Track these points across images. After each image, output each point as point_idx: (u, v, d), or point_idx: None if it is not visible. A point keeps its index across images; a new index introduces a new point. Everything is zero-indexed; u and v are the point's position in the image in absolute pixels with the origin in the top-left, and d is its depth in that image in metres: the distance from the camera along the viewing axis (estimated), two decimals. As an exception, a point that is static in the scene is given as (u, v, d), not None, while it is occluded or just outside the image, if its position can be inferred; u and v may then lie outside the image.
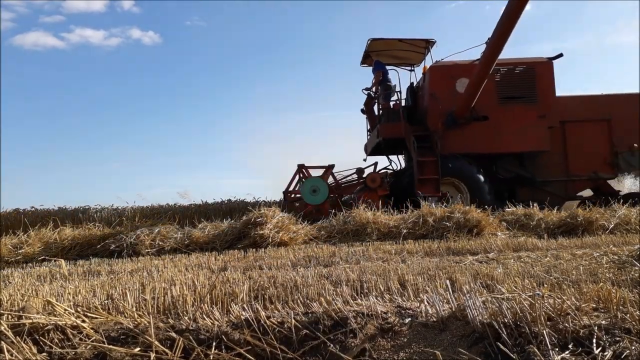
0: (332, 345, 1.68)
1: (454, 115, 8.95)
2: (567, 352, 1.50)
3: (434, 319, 1.84)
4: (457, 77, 9.11)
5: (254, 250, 5.27)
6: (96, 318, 1.90)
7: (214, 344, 1.65)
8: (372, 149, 10.51)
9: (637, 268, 2.88)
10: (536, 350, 1.48)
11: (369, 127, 11.09)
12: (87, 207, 12.70)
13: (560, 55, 9.41)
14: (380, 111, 10.11)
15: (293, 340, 1.71)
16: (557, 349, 1.52)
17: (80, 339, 1.69)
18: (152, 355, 1.57)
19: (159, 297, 2.43)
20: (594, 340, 1.54)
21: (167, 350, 1.60)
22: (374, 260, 4.14)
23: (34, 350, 1.63)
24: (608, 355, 1.46)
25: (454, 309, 1.89)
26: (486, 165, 9.39)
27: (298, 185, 9.19)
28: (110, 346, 1.63)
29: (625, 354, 1.47)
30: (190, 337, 1.67)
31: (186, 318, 1.99)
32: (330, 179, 9.31)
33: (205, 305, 2.28)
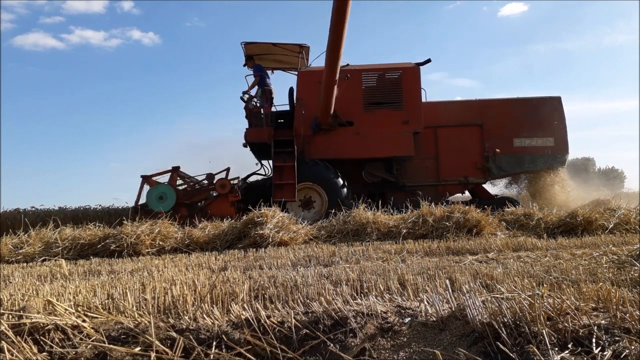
0: (332, 344, 1.68)
1: (318, 121, 8.90)
2: (566, 351, 1.51)
3: (434, 319, 1.85)
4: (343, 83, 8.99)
5: (254, 250, 5.27)
6: (97, 318, 1.91)
7: (214, 343, 1.66)
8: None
9: (636, 268, 2.89)
10: (536, 349, 1.48)
11: None
12: (87, 207, 12.73)
13: (428, 60, 9.40)
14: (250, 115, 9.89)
15: (293, 339, 1.72)
16: (556, 349, 1.52)
17: (81, 339, 1.69)
18: (153, 354, 1.57)
19: (160, 297, 2.43)
20: (594, 340, 1.54)
21: (167, 350, 1.60)
22: (373, 259, 4.14)
23: (35, 350, 1.63)
24: (607, 355, 1.46)
25: (453, 309, 1.89)
26: (356, 170, 9.38)
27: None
28: (111, 346, 1.63)
29: (624, 354, 1.47)
30: (191, 337, 1.68)
31: (186, 318, 2.00)
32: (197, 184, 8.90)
33: (206, 304, 2.29)
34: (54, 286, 3.13)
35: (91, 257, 5.38)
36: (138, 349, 1.62)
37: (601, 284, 2.19)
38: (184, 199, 8.56)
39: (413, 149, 9.15)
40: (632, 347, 1.49)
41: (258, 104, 9.70)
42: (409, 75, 9.34)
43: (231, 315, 2.03)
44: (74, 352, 1.62)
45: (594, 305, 1.87)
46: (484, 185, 10.18)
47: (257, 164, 10.40)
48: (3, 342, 1.61)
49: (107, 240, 5.67)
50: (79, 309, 2.00)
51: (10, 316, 1.81)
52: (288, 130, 9.18)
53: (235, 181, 8.80)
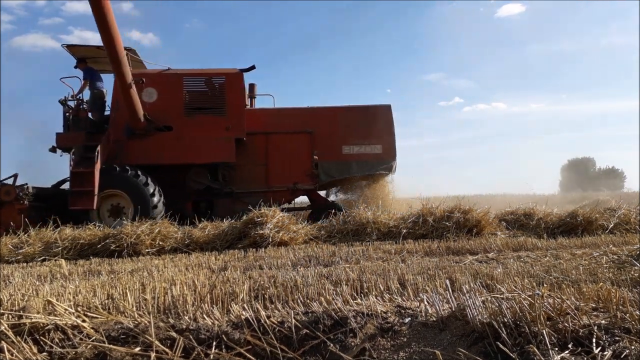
0: (332, 344, 1.68)
1: (130, 125, 8.63)
2: (566, 351, 1.50)
3: (434, 319, 1.84)
4: (144, 87, 8.71)
5: (254, 250, 5.27)
6: (96, 318, 1.90)
7: (214, 343, 1.66)
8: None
9: (636, 268, 2.89)
10: (536, 349, 1.48)
11: None
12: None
13: (253, 67, 9.35)
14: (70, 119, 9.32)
15: (293, 339, 1.72)
16: (556, 349, 1.52)
17: (81, 339, 1.69)
18: (153, 354, 1.57)
19: (159, 297, 2.43)
20: (594, 340, 1.54)
21: (167, 350, 1.60)
22: (373, 259, 4.14)
23: (35, 350, 1.63)
24: (608, 355, 1.46)
25: (453, 309, 1.89)
26: (181, 177, 9.22)
27: None
28: (111, 346, 1.63)
29: (625, 354, 1.47)
30: (191, 337, 1.68)
31: (186, 318, 2.00)
32: None
33: (206, 304, 2.29)
34: (54, 286, 3.13)
35: (91, 257, 5.37)
36: (138, 349, 1.62)
37: (601, 284, 2.19)
38: None
39: (234, 156, 9.03)
40: (632, 347, 1.49)
41: (86, 108, 9.30)
42: (233, 81, 9.24)
43: (231, 315, 2.03)
44: (73, 352, 1.62)
45: (594, 305, 1.87)
46: (318, 192, 10.20)
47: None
48: (3, 342, 1.61)
49: (107, 240, 5.66)
50: (79, 309, 2.00)
51: (10, 316, 1.81)
52: (103, 136, 8.76)
53: (25, 188, 8.10)
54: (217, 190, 9.26)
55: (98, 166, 7.98)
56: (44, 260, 5.32)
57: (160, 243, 5.74)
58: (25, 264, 5.06)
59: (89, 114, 9.25)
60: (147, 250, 5.57)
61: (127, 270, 4.05)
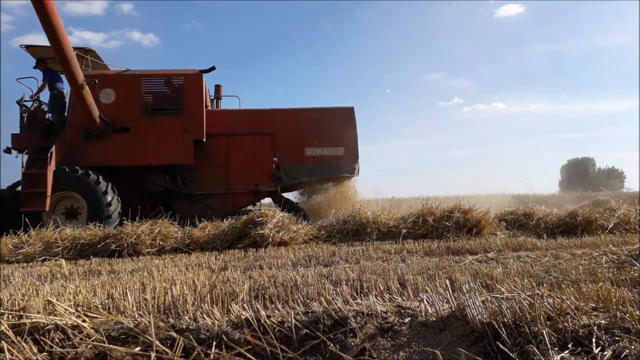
0: (332, 344, 1.68)
1: (86, 126, 8.59)
2: (566, 351, 1.51)
3: (434, 319, 1.85)
4: (101, 88, 8.75)
5: (254, 249, 5.27)
6: (97, 318, 1.91)
7: (214, 343, 1.66)
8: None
9: (636, 268, 2.89)
10: (536, 349, 1.48)
11: None
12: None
13: (213, 68, 9.34)
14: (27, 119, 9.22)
15: (293, 339, 1.72)
16: (556, 349, 1.52)
17: (81, 339, 1.69)
18: (153, 354, 1.57)
19: (160, 297, 2.43)
20: (594, 340, 1.54)
21: (167, 350, 1.61)
22: (373, 259, 4.14)
23: (35, 349, 1.63)
24: (607, 355, 1.47)
25: (453, 309, 1.89)
26: (140, 179, 9.16)
27: None
28: (111, 346, 1.63)
29: (624, 354, 1.47)
30: (191, 337, 1.68)
31: (186, 317, 2.00)
32: None
33: (206, 304, 2.29)
34: (54, 286, 3.13)
35: (91, 257, 5.38)
36: (138, 349, 1.62)
37: (601, 283, 2.19)
38: None
39: (192, 157, 8.98)
40: (632, 347, 1.49)
41: (45, 109, 9.22)
42: (192, 82, 9.17)
43: (231, 315, 2.03)
44: (74, 352, 1.62)
45: (593, 305, 1.87)
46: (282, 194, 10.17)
47: None
48: (3, 342, 1.61)
49: (107, 240, 5.67)
50: (79, 309, 2.00)
51: (11, 316, 1.81)
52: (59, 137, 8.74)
53: None
54: (175, 193, 9.19)
55: (52, 167, 7.91)
56: (44, 260, 5.32)
57: (161, 243, 5.74)
58: (25, 264, 5.06)
59: (48, 115, 9.17)
60: (147, 250, 5.57)
61: (127, 270, 4.05)
